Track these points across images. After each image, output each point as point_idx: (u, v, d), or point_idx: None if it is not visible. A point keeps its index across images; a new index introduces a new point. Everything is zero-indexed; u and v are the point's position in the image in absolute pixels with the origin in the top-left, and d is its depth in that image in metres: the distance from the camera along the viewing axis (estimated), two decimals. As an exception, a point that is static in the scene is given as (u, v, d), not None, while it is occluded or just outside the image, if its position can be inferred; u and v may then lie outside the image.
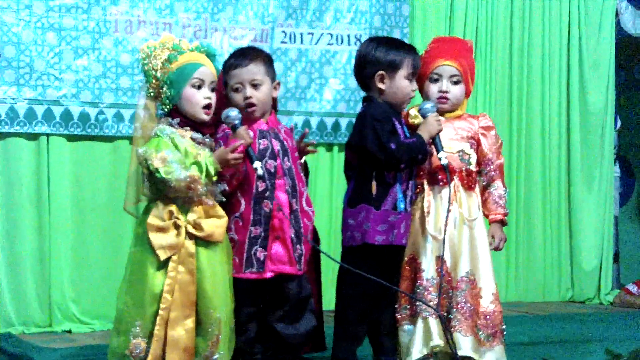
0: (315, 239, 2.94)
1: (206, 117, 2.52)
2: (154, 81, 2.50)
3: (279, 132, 2.69)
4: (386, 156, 2.63)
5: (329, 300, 3.08)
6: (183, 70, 2.49)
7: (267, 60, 2.66)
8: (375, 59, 2.73)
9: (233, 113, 2.53)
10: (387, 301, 2.78)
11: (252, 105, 2.60)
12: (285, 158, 2.65)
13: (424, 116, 2.76)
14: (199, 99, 2.50)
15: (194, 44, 2.57)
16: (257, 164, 2.49)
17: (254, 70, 2.61)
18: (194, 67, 2.50)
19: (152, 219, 2.42)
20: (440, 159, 2.72)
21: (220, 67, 2.68)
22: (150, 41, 2.54)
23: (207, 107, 2.51)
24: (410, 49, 2.79)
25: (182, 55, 2.50)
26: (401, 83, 2.73)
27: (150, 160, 2.39)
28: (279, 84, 2.71)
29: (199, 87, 2.50)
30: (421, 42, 4.45)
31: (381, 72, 2.73)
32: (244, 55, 2.65)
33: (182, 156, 2.42)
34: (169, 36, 2.55)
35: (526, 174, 5.03)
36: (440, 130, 2.74)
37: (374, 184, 2.71)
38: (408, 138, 2.73)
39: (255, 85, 2.60)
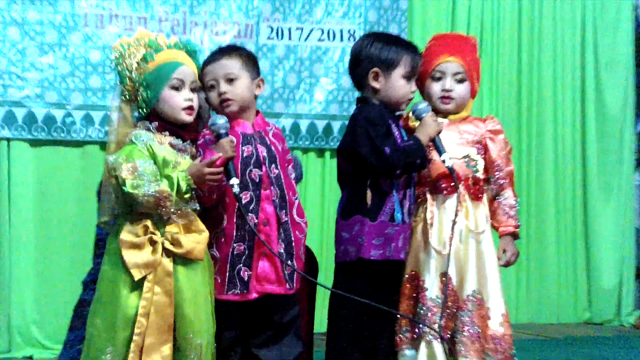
0: (310, 256, 2.93)
1: (188, 118, 2.51)
2: (128, 82, 2.48)
3: (267, 135, 2.67)
4: (380, 162, 2.63)
5: (320, 322, 3.07)
6: (160, 71, 2.48)
7: (246, 56, 2.66)
8: (370, 55, 2.74)
9: (220, 121, 2.52)
10: (385, 323, 2.77)
11: (227, 100, 2.60)
12: (273, 165, 2.63)
13: (418, 118, 2.76)
14: (179, 101, 2.49)
15: (172, 39, 2.56)
16: (234, 181, 2.48)
17: (228, 64, 2.61)
18: (173, 66, 2.49)
19: (125, 235, 2.40)
20: (443, 161, 2.71)
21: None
22: (124, 38, 2.52)
23: (189, 108, 2.51)
24: (409, 47, 2.79)
25: (159, 54, 2.49)
26: (397, 82, 2.73)
27: (119, 170, 2.38)
28: (262, 80, 2.70)
29: (179, 88, 2.49)
30: (421, 38, 4.46)
31: (375, 69, 2.73)
32: (219, 51, 2.67)
33: (155, 169, 2.41)
34: (144, 32, 2.54)
35: (537, 183, 5.04)
36: (439, 131, 2.74)
37: (368, 193, 2.70)
38: (405, 142, 2.73)
39: (230, 80, 2.60)
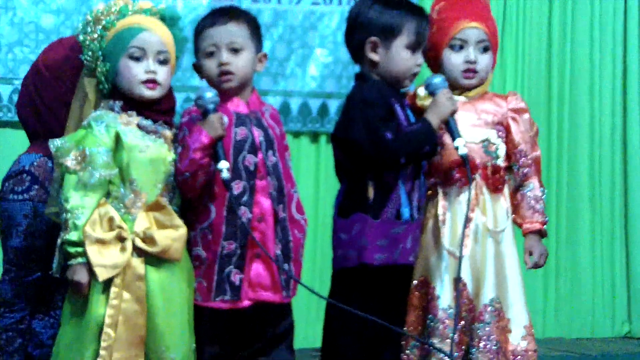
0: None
1: (149, 93, 2.56)
2: (89, 54, 2.56)
3: (263, 116, 2.72)
4: (379, 150, 2.65)
5: (314, 336, 3.10)
6: (119, 38, 2.55)
7: (253, 23, 2.73)
8: (368, 21, 2.76)
9: (208, 94, 2.58)
10: (389, 338, 2.80)
11: (227, 73, 2.65)
12: (270, 152, 2.68)
13: (432, 94, 2.78)
14: (137, 73, 2.54)
15: (146, 4, 2.61)
16: (223, 165, 2.53)
17: (234, 31, 2.66)
18: (132, 33, 2.55)
19: (89, 227, 2.45)
20: (457, 148, 2.72)
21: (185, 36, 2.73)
22: (100, 5, 2.60)
23: (150, 82, 2.56)
24: (414, 10, 2.82)
25: (121, 21, 2.56)
26: (399, 54, 2.76)
27: (63, 157, 2.45)
28: (265, 56, 2.76)
29: (139, 59, 2.54)
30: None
31: (373, 38, 2.76)
32: (223, 12, 2.72)
33: (109, 160, 2.47)
34: None
35: (570, 173, 5.09)
36: (454, 111, 2.75)
37: (370, 186, 2.73)
38: (410, 125, 2.76)
39: (234, 50, 2.66)
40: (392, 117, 2.74)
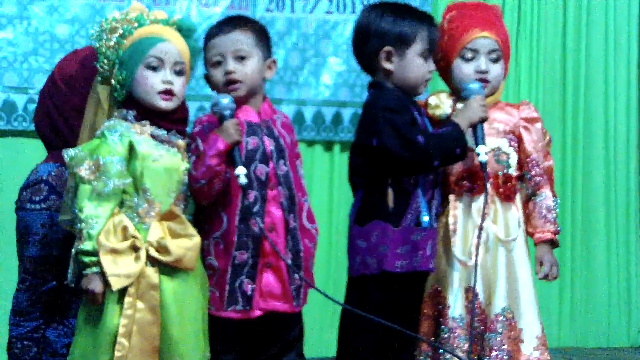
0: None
1: (164, 105, 2.59)
2: (105, 61, 2.59)
3: (274, 124, 2.75)
4: (413, 154, 2.68)
5: (327, 345, 3.11)
6: (136, 47, 2.57)
7: (259, 31, 2.76)
8: (381, 30, 2.79)
9: (224, 100, 2.61)
10: (404, 347, 2.83)
11: (234, 81, 2.67)
12: (281, 161, 2.70)
13: (465, 98, 2.82)
14: (153, 83, 2.57)
15: (161, 14, 2.64)
16: (240, 170, 2.55)
17: (240, 39, 2.69)
18: (151, 42, 2.58)
19: (103, 237, 2.47)
20: (478, 154, 2.76)
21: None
22: (115, 13, 2.63)
23: (167, 93, 2.59)
24: (425, 18, 2.86)
25: (139, 29, 2.59)
26: (414, 62, 2.79)
27: (77, 167, 2.48)
28: (274, 62, 2.78)
29: (156, 68, 2.57)
30: (448, 9, 4.52)
31: (388, 47, 2.79)
32: (229, 22, 2.75)
33: (123, 170, 2.49)
34: (137, 6, 2.64)
35: (585, 181, 5.10)
36: (484, 119, 2.79)
37: (390, 193, 2.75)
38: (439, 128, 2.79)
39: (240, 58, 2.68)
40: (415, 123, 2.78)
